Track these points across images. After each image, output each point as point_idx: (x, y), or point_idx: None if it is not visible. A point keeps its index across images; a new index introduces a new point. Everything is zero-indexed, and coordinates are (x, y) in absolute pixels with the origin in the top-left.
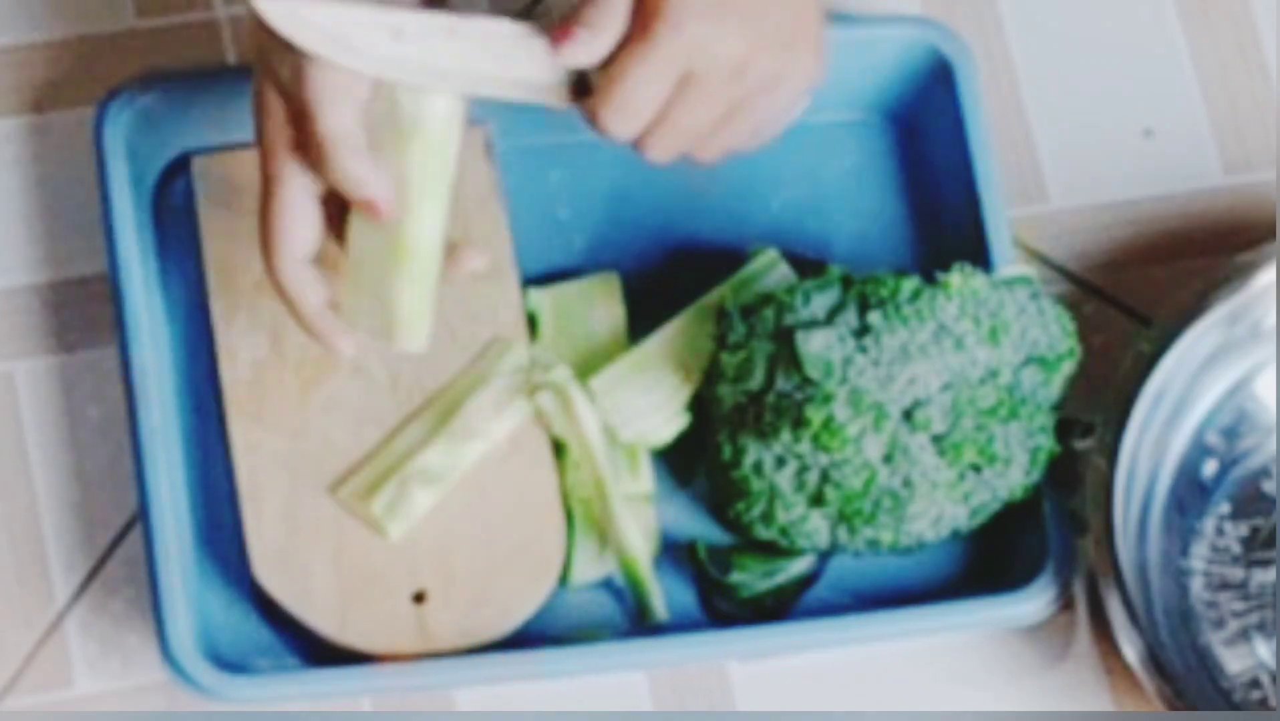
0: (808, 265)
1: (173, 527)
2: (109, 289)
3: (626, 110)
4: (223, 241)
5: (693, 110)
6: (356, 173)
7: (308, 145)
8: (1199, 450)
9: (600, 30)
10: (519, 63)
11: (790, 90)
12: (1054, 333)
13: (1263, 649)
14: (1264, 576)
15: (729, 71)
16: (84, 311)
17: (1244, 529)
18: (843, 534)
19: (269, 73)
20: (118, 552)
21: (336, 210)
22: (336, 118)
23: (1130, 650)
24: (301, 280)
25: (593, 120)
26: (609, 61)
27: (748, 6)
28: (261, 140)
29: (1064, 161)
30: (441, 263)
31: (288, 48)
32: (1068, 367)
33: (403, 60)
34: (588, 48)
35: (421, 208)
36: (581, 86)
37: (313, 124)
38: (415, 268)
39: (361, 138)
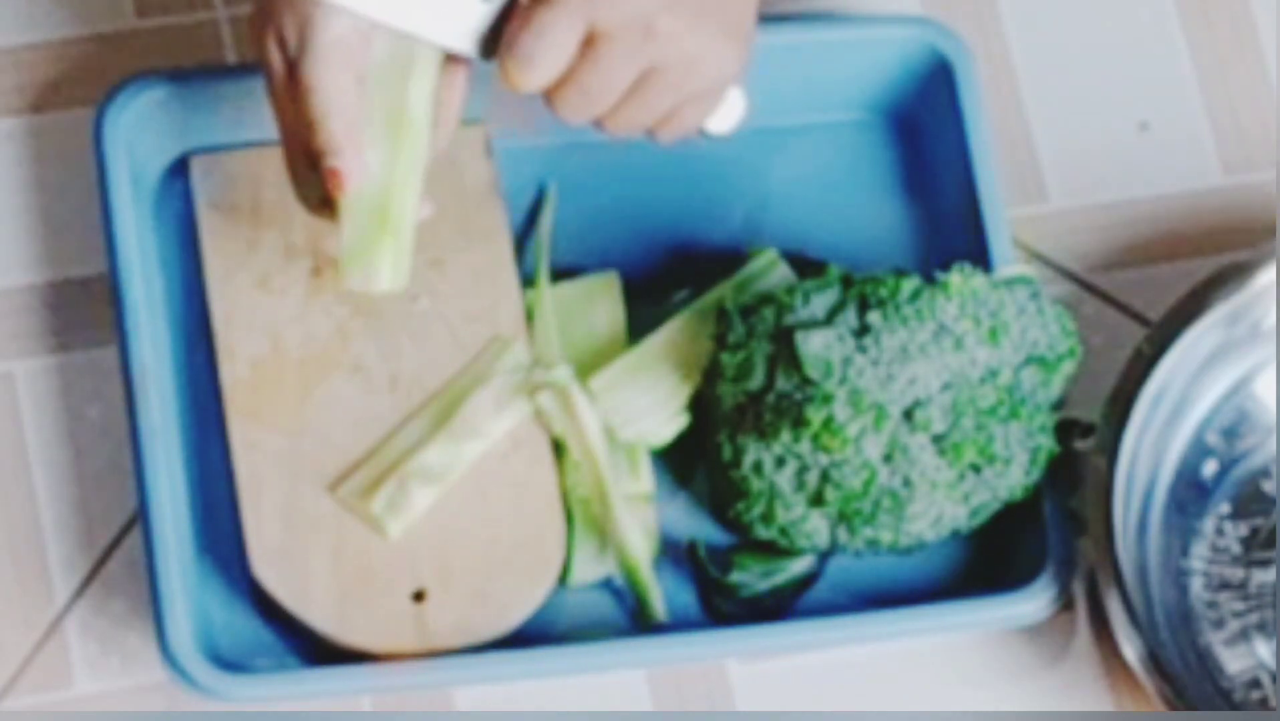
0: (808, 265)
1: (173, 527)
2: (109, 289)
3: (531, 60)
4: (223, 241)
5: (601, 68)
6: (336, 141)
7: (300, 104)
8: (1199, 450)
9: (549, 42)
10: None
11: (706, 73)
12: (1054, 332)
13: (1263, 649)
14: (1264, 576)
15: (636, 28)
16: (84, 311)
17: (1244, 529)
18: (842, 534)
19: (271, 25)
20: (118, 552)
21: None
22: (332, 80)
23: (1130, 650)
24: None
25: (502, 73)
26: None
27: None
28: (272, 98)
29: (1064, 161)
30: (418, 202)
31: (292, 4)
32: (1068, 367)
33: None
34: (541, 73)
35: (405, 152)
36: (495, 44)
37: (306, 89)
38: (398, 208)
39: (355, 104)
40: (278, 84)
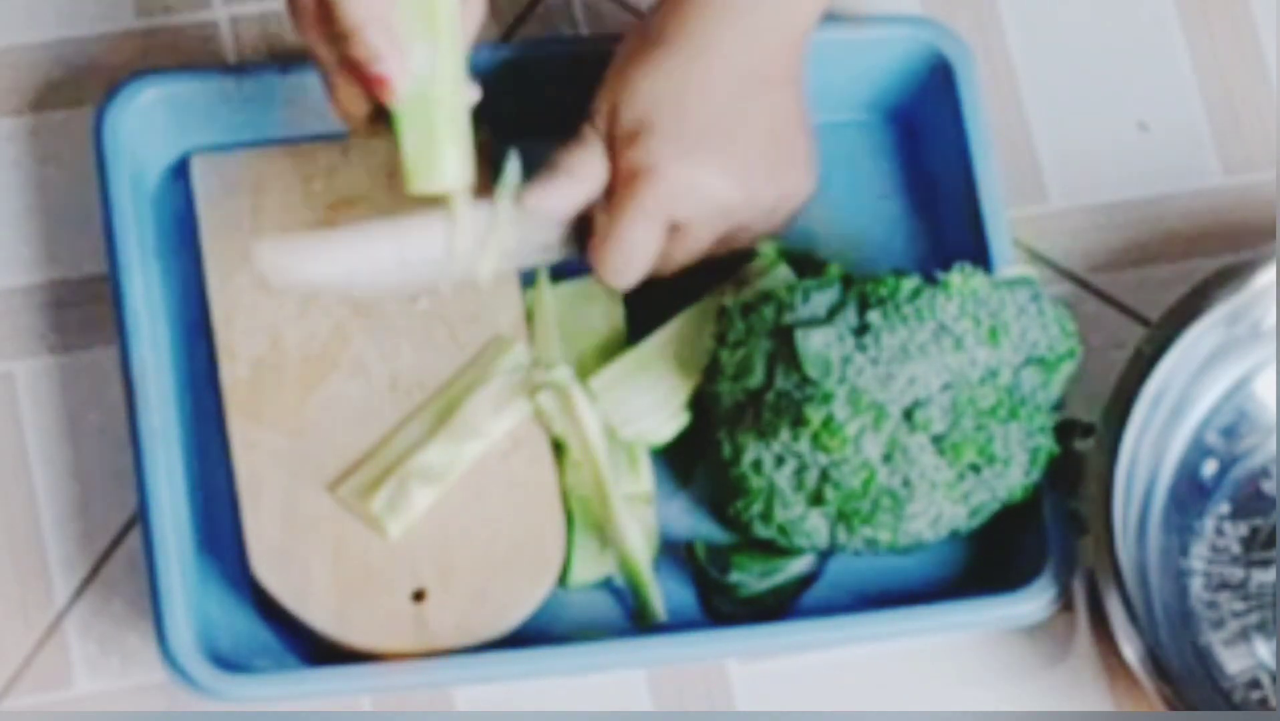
0: (808, 265)
1: (173, 527)
2: (109, 289)
3: (624, 266)
4: (223, 241)
5: (689, 248)
6: (377, 47)
7: (335, 18)
8: (1199, 450)
9: (579, 177)
10: (521, 230)
11: (788, 210)
12: (1054, 333)
13: (1263, 649)
14: (1264, 576)
15: (716, 210)
16: (84, 311)
17: (1244, 529)
18: (842, 533)
19: None
20: (118, 552)
21: None
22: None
23: (1130, 650)
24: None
25: (599, 281)
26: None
27: (722, 143)
28: (301, 25)
29: (1064, 161)
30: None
31: None
32: (1068, 368)
33: (408, 273)
34: (567, 195)
35: (443, 41)
36: (584, 230)
37: (341, 2)
38: (448, 100)
39: (387, 8)
40: (308, 5)
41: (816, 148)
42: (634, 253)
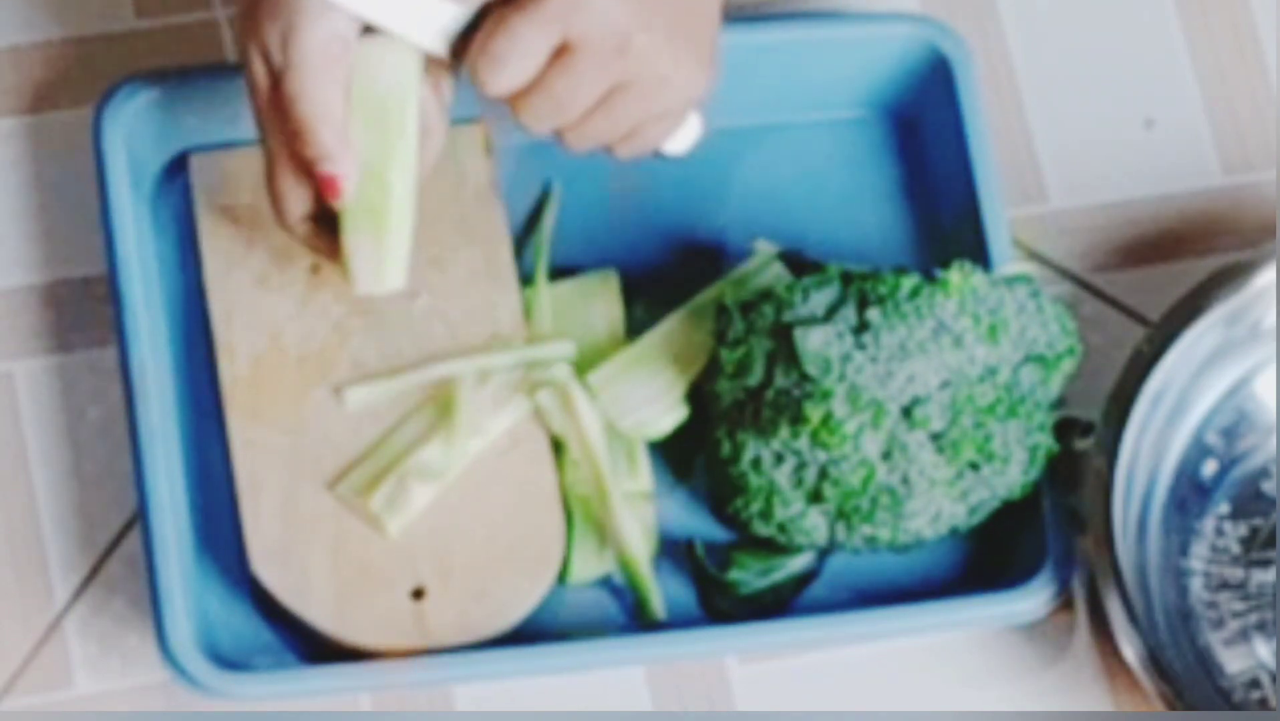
0: (807, 264)
1: (172, 527)
2: (109, 289)
3: (503, 62)
4: (222, 240)
5: (570, 79)
6: (329, 147)
7: (285, 116)
8: (1199, 450)
9: None
10: None
11: (673, 93)
12: (1053, 331)
13: (1262, 649)
14: (1264, 576)
15: (610, 43)
16: (84, 311)
17: (1244, 529)
18: (841, 531)
19: (254, 38)
20: (117, 552)
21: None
22: (319, 88)
23: (1130, 650)
24: (303, 230)
25: (471, 73)
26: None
27: None
28: (256, 112)
29: (1064, 161)
30: (416, 202)
31: (275, 13)
32: (1067, 366)
33: None
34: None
35: (397, 154)
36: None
37: (293, 99)
38: (398, 210)
39: (342, 110)
40: (263, 96)
41: (829, 141)
42: (520, 44)
